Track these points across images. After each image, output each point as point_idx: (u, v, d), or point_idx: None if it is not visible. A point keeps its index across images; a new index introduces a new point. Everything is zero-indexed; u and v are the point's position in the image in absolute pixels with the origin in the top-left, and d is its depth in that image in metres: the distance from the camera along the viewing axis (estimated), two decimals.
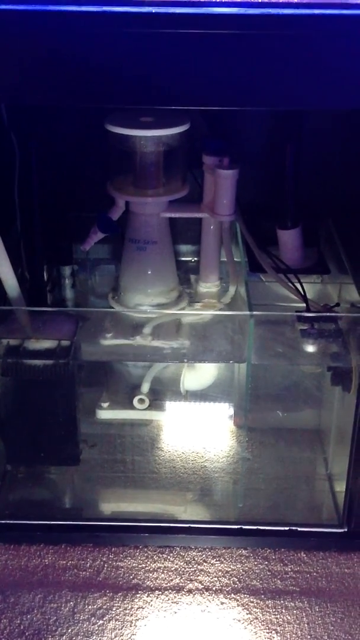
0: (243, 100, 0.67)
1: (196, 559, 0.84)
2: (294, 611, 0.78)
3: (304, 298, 0.82)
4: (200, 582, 0.82)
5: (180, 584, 0.81)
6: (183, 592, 0.80)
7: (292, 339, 0.81)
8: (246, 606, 0.79)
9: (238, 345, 0.82)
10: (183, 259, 0.96)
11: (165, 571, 0.82)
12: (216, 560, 0.84)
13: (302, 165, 0.87)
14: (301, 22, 0.62)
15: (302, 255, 0.89)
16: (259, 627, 0.77)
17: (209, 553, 0.85)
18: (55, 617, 0.77)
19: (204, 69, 0.64)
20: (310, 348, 0.80)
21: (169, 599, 0.80)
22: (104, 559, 0.84)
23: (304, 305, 0.82)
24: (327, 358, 0.81)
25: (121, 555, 0.84)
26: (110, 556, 0.84)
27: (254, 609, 0.79)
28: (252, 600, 0.80)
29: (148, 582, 0.81)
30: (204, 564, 0.84)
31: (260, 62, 0.63)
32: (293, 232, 0.88)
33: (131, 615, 0.78)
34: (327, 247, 0.93)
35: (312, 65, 0.63)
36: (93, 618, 0.77)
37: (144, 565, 0.83)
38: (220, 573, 0.82)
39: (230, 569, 0.83)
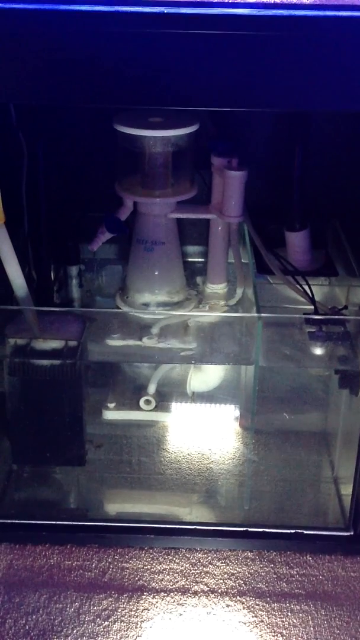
0: (252, 102, 0.67)
1: (202, 561, 0.84)
2: (300, 614, 0.78)
3: (312, 300, 0.82)
4: (206, 584, 0.81)
5: (186, 586, 0.81)
6: (189, 594, 0.80)
7: (300, 341, 0.80)
8: (252, 609, 0.79)
9: (245, 347, 0.82)
10: (190, 259, 0.96)
11: (170, 573, 0.82)
12: (222, 563, 0.84)
13: (310, 167, 0.87)
14: (311, 24, 0.62)
15: (309, 257, 0.89)
16: (265, 630, 0.76)
17: (215, 555, 0.85)
18: (60, 618, 0.77)
19: (214, 70, 0.64)
20: (318, 351, 0.79)
21: (174, 601, 0.79)
22: (110, 560, 0.83)
23: (312, 307, 0.82)
24: (335, 361, 0.81)
25: (127, 557, 0.84)
26: (116, 557, 0.84)
27: (260, 612, 0.78)
28: (257, 603, 0.79)
29: (153, 584, 0.81)
30: (210, 566, 0.83)
31: (269, 64, 0.63)
32: (301, 234, 0.88)
33: (136, 616, 0.78)
34: (335, 249, 0.92)
35: (320, 67, 0.63)
36: (98, 619, 0.77)
37: (149, 567, 0.83)
38: (225, 575, 0.82)
39: (236, 572, 0.83)
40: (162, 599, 0.79)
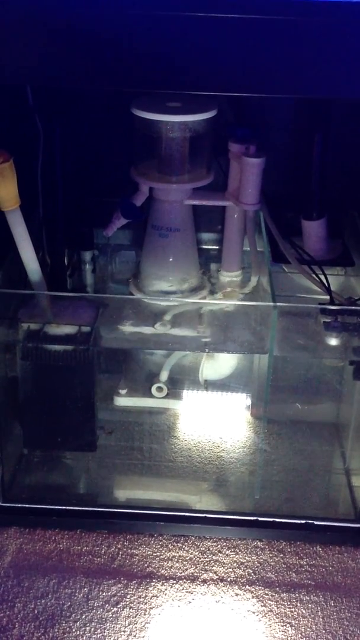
0: (273, 88, 0.66)
1: (211, 549, 0.84)
2: (309, 605, 0.78)
3: (327, 290, 0.81)
4: (215, 572, 0.81)
5: (195, 574, 0.81)
6: (198, 582, 0.80)
7: (315, 331, 0.80)
8: (261, 598, 0.79)
9: (260, 336, 0.82)
10: (205, 247, 0.95)
11: (180, 560, 0.82)
12: (231, 551, 0.84)
13: (329, 155, 0.86)
14: (334, 10, 0.61)
15: (326, 246, 0.88)
16: (274, 619, 0.76)
17: (224, 543, 0.84)
18: (69, 603, 0.77)
19: (234, 55, 0.63)
20: (333, 341, 0.79)
21: (183, 589, 0.79)
22: (119, 546, 0.83)
23: (327, 297, 0.81)
24: (350, 352, 0.80)
25: (136, 543, 0.84)
26: (125, 543, 0.84)
27: (269, 602, 0.78)
28: (266, 592, 0.79)
29: (162, 571, 0.81)
30: (219, 554, 0.83)
31: (292, 49, 0.62)
32: (318, 223, 0.87)
33: (145, 603, 0.78)
34: (352, 239, 0.92)
35: (342, 53, 0.62)
36: (107, 605, 0.77)
37: (158, 554, 0.83)
38: (235, 564, 0.82)
39: (245, 561, 0.83)
40: (171, 587, 0.79)
